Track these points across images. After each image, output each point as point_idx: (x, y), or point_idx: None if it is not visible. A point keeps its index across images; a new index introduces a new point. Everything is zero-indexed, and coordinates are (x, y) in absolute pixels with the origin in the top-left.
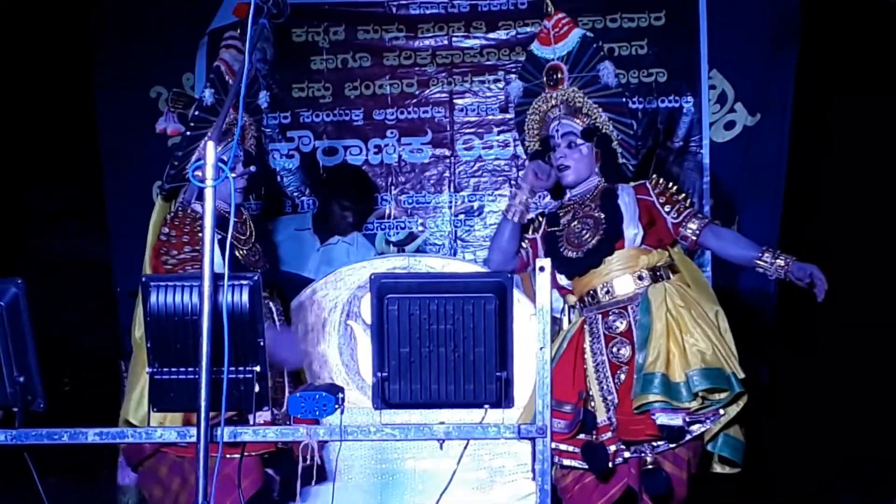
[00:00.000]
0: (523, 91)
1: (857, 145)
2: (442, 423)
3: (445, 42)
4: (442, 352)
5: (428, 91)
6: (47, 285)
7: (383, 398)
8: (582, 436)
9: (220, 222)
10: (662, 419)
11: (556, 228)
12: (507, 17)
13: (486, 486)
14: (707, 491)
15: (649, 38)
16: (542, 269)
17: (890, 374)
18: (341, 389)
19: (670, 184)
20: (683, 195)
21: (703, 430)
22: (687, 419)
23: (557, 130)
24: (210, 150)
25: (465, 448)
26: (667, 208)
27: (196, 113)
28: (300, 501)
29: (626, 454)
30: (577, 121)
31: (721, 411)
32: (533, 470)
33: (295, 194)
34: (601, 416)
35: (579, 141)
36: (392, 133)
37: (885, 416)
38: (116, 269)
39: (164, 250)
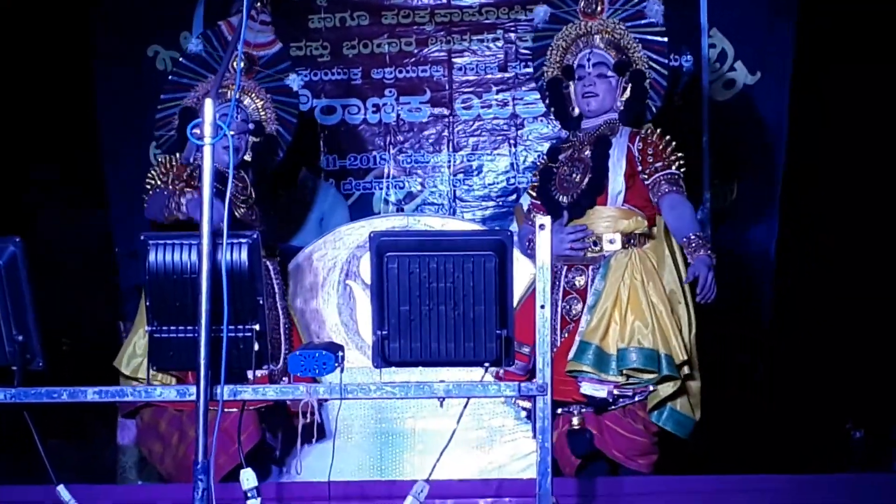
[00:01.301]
0: (549, 17)
1: (856, 115)
2: (442, 381)
3: (444, 0)
4: (442, 310)
5: (426, 50)
6: (47, 251)
7: (383, 356)
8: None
9: (219, 178)
10: (587, 388)
11: (553, 164)
12: None
13: (485, 445)
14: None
15: None
16: (542, 226)
17: (887, 346)
18: (341, 348)
19: (660, 138)
20: (671, 152)
21: (626, 403)
22: (614, 392)
23: (589, 59)
24: (208, 107)
25: (465, 407)
26: (641, 166)
27: (181, 60)
28: (301, 459)
29: (557, 411)
30: (612, 53)
31: (650, 387)
32: (533, 427)
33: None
34: None
35: (610, 73)
36: (390, 92)
37: (881, 387)
38: (116, 232)
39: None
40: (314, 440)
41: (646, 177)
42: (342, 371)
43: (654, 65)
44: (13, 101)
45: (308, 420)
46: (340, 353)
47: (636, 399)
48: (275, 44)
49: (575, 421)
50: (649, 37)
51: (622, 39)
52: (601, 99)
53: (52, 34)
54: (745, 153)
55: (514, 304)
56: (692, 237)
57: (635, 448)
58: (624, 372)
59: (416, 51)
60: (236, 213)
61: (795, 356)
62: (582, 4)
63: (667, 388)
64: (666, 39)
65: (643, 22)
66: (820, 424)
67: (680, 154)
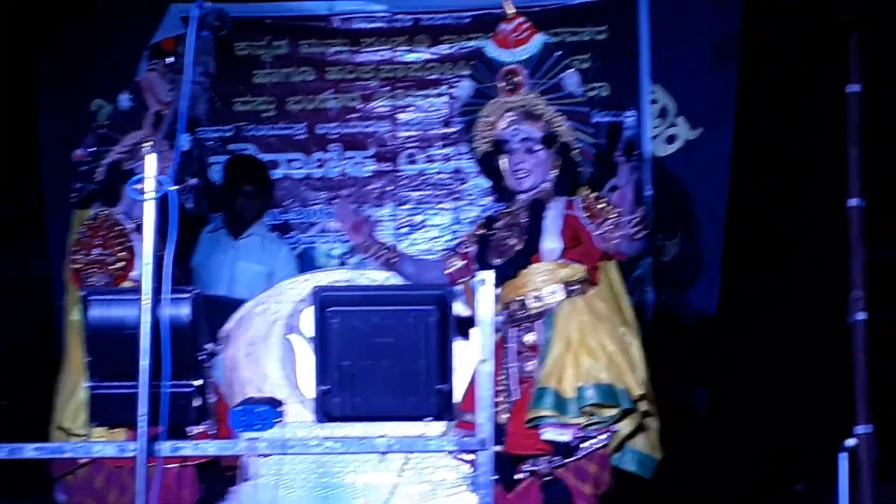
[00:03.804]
0: (475, 91)
1: (797, 167)
2: (383, 435)
3: (388, 56)
4: (383, 364)
5: (371, 105)
6: None
7: (325, 411)
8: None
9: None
10: (549, 434)
11: (489, 232)
12: (450, 31)
13: (427, 499)
14: None
15: (592, 52)
16: (482, 281)
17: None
18: (281, 402)
19: (600, 200)
20: (610, 211)
21: (594, 446)
22: (578, 435)
23: (515, 135)
24: (151, 162)
25: (407, 461)
26: (588, 221)
27: (113, 114)
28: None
29: (530, 470)
30: (537, 127)
31: (614, 427)
32: (474, 481)
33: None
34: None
35: (537, 147)
36: (335, 147)
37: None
38: (56, 282)
39: (75, 248)
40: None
41: (595, 227)
42: (283, 426)
43: (580, 134)
44: None
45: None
46: (281, 408)
47: (601, 442)
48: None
49: (544, 471)
50: (571, 107)
51: (545, 113)
52: (533, 176)
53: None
54: (688, 208)
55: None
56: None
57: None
58: (584, 410)
59: (360, 106)
60: None
61: (735, 414)
62: (502, 81)
63: (626, 427)
64: (588, 109)
65: (562, 93)
66: (760, 477)
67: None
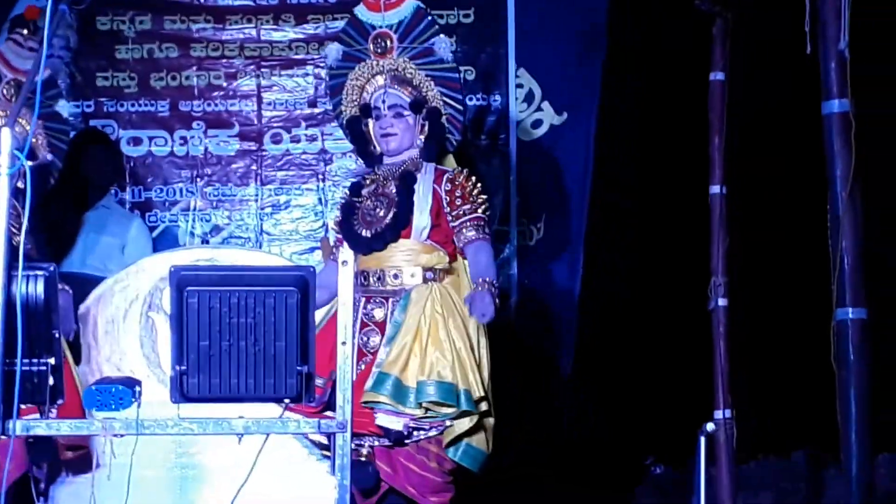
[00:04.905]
0: (342, 55)
1: (660, 154)
2: (241, 417)
3: (254, 34)
4: (242, 346)
5: (236, 83)
6: None
7: (182, 392)
8: (329, 412)
9: None
10: (383, 420)
11: (356, 199)
12: (316, 10)
13: (286, 479)
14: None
15: (458, 35)
16: (344, 262)
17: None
18: (138, 382)
19: (467, 180)
20: (477, 194)
21: (423, 437)
22: (410, 424)
23: (384, 101)
24: (6, 137)
25: (265, 443)
26: (449, 208)
27: None
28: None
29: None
30: (406, 92)
31: (448, 423)
32: (332, 465)
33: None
34: None
35: (406, 112)
36: (198, 125)
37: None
38: None
39: None
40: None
41: (452, 219)
42: (139, 406)
43: (449, 100)
44: None
45: (75, 455)
46: (137, 388)
47: (432, 433)
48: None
49: (363, 452)
50: (441, 73)
51: (414, 78)
52: (400, 138)
53: None
54: (552, 192)
55: None
56: (482, 280)
57: (428, 485)
58: (423, 405)
59: (225, 84)
60: (13, 242)
61: (597, 397)
62: (372, 44)
63: (463, 424)
64: (458, 75)
65: (433, 58)
66: (620, 461)
67: (485, 196)
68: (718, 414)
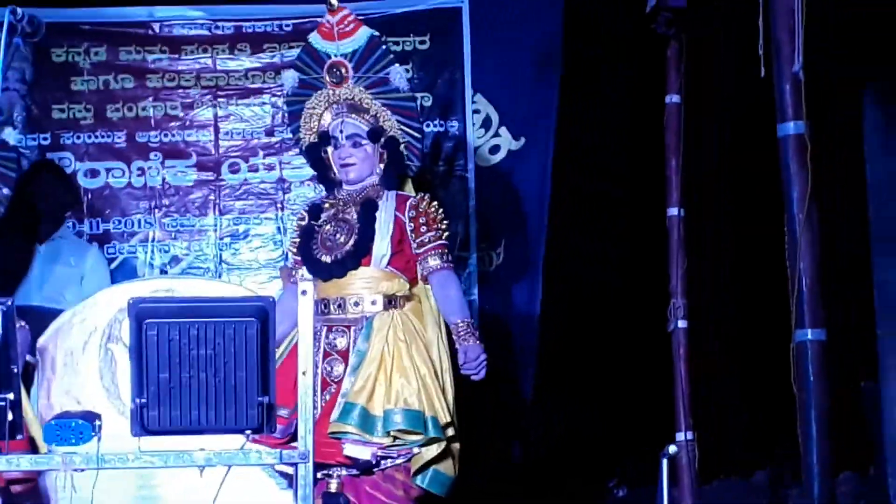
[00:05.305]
0: (299, 82)
1: (620, 170)
2: (202, 449)
3: (210, 63)
4: (202, 377)
5: (192, 113)
6: None
7: (142, 425)
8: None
9: None
10: (350, 450)
11: (315, 223)
12: (272, 39)
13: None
14: None
15: (414, 62)
16: (304, 292)
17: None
18: (98, 416)
19: (431, 207)
20: (440, 221)
21: (391, 465)
22: (378, 453)
23: (341, 130)
24: None
25: (227, 474)
26: (413, 235)
27: None
28: None
29: (318, 475)
30: (363, 120)
31: (415, 450)
32: (295, 496)
33: None
34: None
35: (364, 141)
36: (156, 155)
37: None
38: None
39: None
40: None
41: (416, 246)
42: (100, 440)
43: (406, 128)
44: None
45: (23, 488)
46: (98, 422)
47: (399, 461)
48: None
49: (333, 484)
50: (397, 102)
51: (371, 108)
52: (359, 168)
53: None
54: (511, 217)
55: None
56: (460, 323)
57: None
58: (391, 433)
59: (181, 114)
60: None
61: (559, 420)
62: (328, 74)
63: (431, 451)
64: (414, 104)
65: (389, 87)
66: (584, 483)
67: (447, 222)
68: (680, 436)
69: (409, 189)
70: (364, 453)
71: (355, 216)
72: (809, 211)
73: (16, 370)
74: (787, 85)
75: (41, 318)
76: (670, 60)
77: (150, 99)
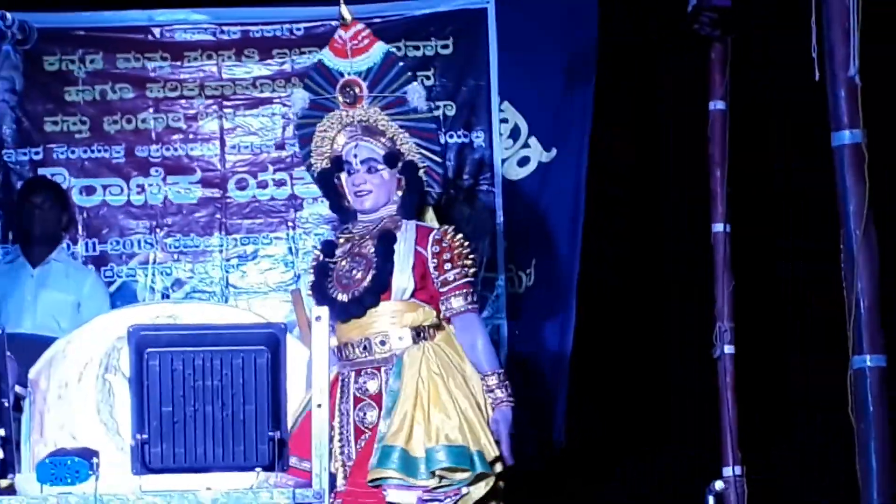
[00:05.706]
0: (310, 103)
1: (660, 183)
2: (209, 488)
3: (215, 71)
4: (209, 410)
5: (196, 125)
6: None
7: (144, 462)
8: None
9: None
10: (393, 496)
11: (329, 259)
12: (282, 44)
13: None
14: None
15: (436, 68)
16: (318, 318)
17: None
18: (96, 454)
19: (456, 241)
20: (466, 256)
21: None
22: (424, 497)
23: (356, 155)
24: None
25: None
26: (436, 273)
27: None
28: None
29: None
30: (379, 144)
31: (463, 490)
32: None
33: None
34: (340, 482)
35: (380, 166)
36: (157, 171)
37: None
38: None
39: None
40: None
41: (439, 284)
42: (97, 479)
43: (426, 152)
44: None
45: None
46: (95, 460)
47: (447, 503)
48: None
49: None
50: (415, 123)
51: (387, 130)
52: (375, 196)
53: None
54: (541, 235)
55: (295, 417)
56: (491, 374)
57: None
58: (435, 473)
59: (184, 126)
60: None
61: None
62: (340, 94)
63: (480, 489)
64: (434, 125)
65: (406, 108)
66: None
67: (474, 256)
68: (728, 471)
69: (429, 218)
70: (409, 498)
71: (372, 250)
72: (867, 227)
73: (6, 404)
74: (842, 90)
75: (34, 347)
76: (714, 64)
77: (151, 110)
